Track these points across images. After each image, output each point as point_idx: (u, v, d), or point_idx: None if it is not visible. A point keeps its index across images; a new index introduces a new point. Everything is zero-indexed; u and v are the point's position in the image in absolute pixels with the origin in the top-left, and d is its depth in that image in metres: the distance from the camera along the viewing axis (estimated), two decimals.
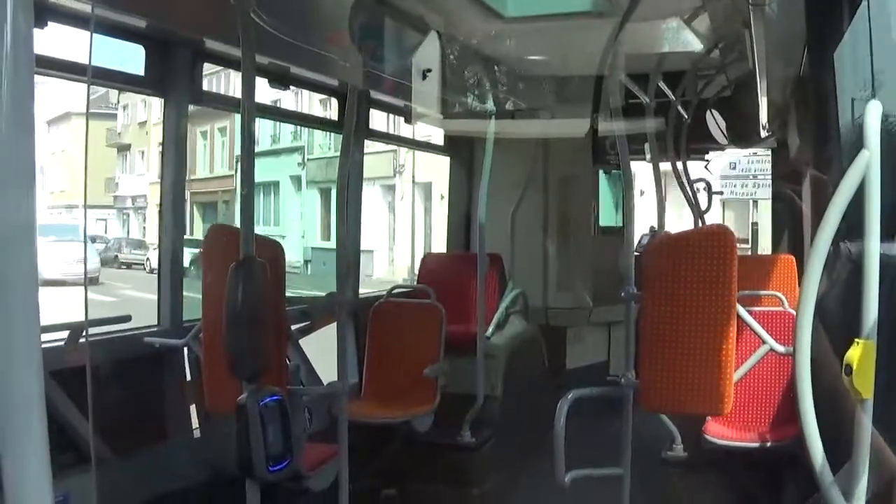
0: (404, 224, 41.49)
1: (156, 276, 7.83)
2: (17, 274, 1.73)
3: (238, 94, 7.61)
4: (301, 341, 8.71)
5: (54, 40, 5.67)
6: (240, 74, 5.25)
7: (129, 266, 42.30)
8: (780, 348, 6.78)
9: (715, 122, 11.69)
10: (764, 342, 6.89)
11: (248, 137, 5.19)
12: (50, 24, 6.01)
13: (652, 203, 9.55)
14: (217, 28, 7.16)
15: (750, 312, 6.91)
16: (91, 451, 5.23)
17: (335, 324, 6.59)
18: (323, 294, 8.39)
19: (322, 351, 8.96)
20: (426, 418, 8.94)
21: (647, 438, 7.46)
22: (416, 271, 11.64)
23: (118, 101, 51.07)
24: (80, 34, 6.14)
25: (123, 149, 54.17)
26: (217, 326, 6.16)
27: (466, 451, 9.36)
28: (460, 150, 12.66)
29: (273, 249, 6.10)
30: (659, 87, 9.52)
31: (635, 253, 7.42)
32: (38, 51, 2.05)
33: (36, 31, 5.32)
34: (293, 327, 8.31)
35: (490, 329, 10.02)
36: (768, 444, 7.47)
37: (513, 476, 9.53)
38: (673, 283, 6.07)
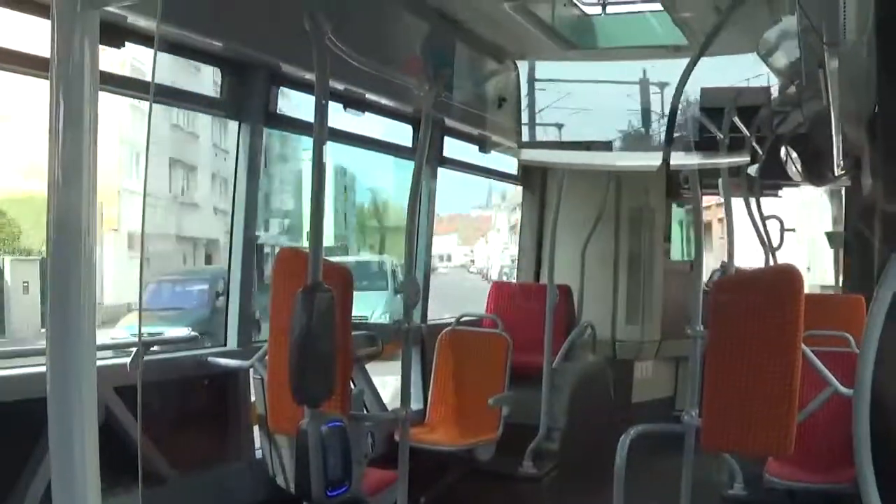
0: None
1: None
2: (75, 295, 1.76)
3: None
4: (375, 365, 8.73)
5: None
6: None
7: None
8: (844, 390, 6.68)
9: (789, 159, 11.59)
10: (829, 383, 6.80)
11: (319, 162, 5.21)
12: (127, 44, 6.08)
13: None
14: (292, 52, 7.22)
15: (816, 353, 6.83)
16: (139, 469, 5.26)
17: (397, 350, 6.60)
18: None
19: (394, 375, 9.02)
20: (489, 447, 8.92)
21: (709, 476, 7.40)
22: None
23: None
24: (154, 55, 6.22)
25: None
26: (282, 349, 6.19)
27: (528, 482, 9.33)
28: (533, 179, 12.66)
29: (341, 274, 6.13)
30: (734, 123, 9.47)
31: (704, 288, 7.37)
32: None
33: (115, 51, 5.42)
34: (360, 352, 8.33)
35: (557, 360, 9.98)
36: (830, 485, 7.39)
37: None
38: (739, 321, 6.03)
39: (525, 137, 11.74)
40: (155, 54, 3.67)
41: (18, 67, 5.91)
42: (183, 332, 7.82)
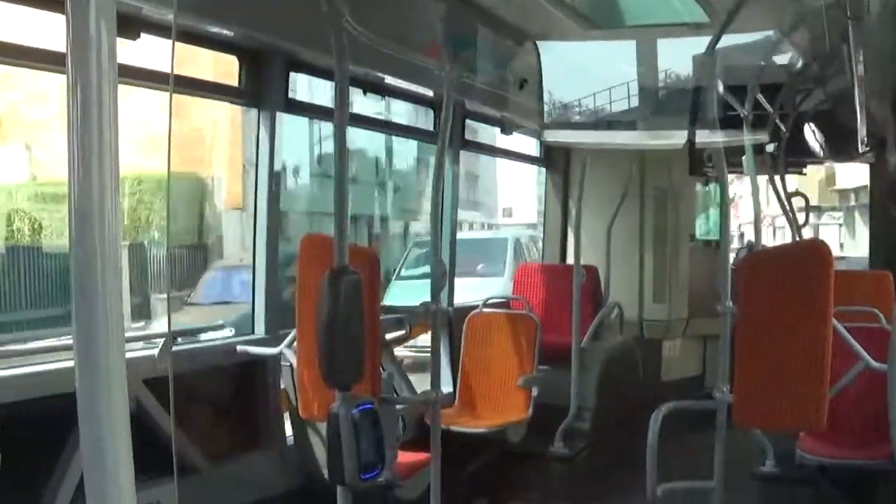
0: None
1: None
2: (101, 283, 1.74)
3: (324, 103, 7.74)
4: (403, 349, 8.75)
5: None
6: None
7: None
8: (876, 365, 6.64)
9: (813, 136, 11.55)
10: (860, 358, 6.76)
11: (342, 147, 5.20)
12: (143, 35, 6.07)
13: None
14: (309, 38, 7.21)
15: (845, 328, 6.80)
16: (174, 460, 5.27)
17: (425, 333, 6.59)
18: None
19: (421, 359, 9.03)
20: (519, 428, 8.93)
21: (738, 453, 7.37)
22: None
23: None
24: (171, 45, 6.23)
25: None
26: (311, 335, 6.19)
27: (559, 462, 9.33)
28: (556, 161, 12.63)
29: (367, 258, 6.13)
30: (757, 100, 9.43)
31: (731, 266, 7.36)
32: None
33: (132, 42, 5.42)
34: (388, 336, 8.34)
35: (585, 340, 9.97)
36: (863, 461, 7.36)
37: (604, 488, 9.46)
38: (769, 298, 6.01)
39: (547, 118, 11.73)
40: (173, 44, 3.67)
41: (35, 63, 5.93)
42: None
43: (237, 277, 20.73)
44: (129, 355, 6.22)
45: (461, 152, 10.37)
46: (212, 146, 26.94)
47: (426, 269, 19.73)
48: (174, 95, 3.62)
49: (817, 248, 6.05)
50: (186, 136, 24.41)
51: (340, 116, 5.16)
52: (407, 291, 18.87)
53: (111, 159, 1.74)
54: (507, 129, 11.12)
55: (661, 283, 12.85)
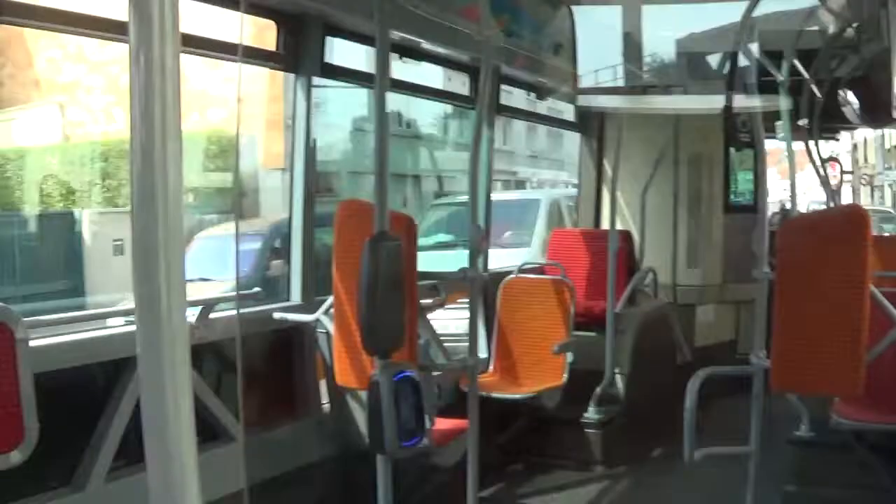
0: None
1: None
2: (164, 248, 1.72)
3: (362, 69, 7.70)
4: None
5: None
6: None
7: None
8: None
9: (847, 102, 11.48)
10: None
11: (382, 113, 5.18)
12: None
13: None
14: (346, 2, 7.19)
15: (883, 293, 6.77)
16: (235, 423, 5.26)
17: (459, 299, 6.57)
18: None
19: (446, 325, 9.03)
20: (554, 394, 8.93)
21: (773, 418, 7.37)
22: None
23: None
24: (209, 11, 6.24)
25: None
26: (349, 302, 6.20)
27: (594, 427, 9.32)
28: (591, 126, 12.58)
29: (405, 224, 6.11)
30: (792, 66, 9.37)
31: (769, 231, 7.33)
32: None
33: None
34: (423, 302, 8.32)
35: (620, 305, 9.93)
36: None
37: (640, 453, 9.47)
38: (807, 263, 6.00)
39: (582, 83, 11.70)
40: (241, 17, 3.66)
41: (98, 33, 5.95)
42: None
43: (224, 246, 16.24)
44: None
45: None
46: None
47: (441, 237, 19.57)
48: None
49: (856, 213, 6.04)
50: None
51: (381, 82, 5.13)
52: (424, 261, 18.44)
53: (175, 128, 1.72)
54: (541, 94, 11.09)
55: (694, 248, 12.82)
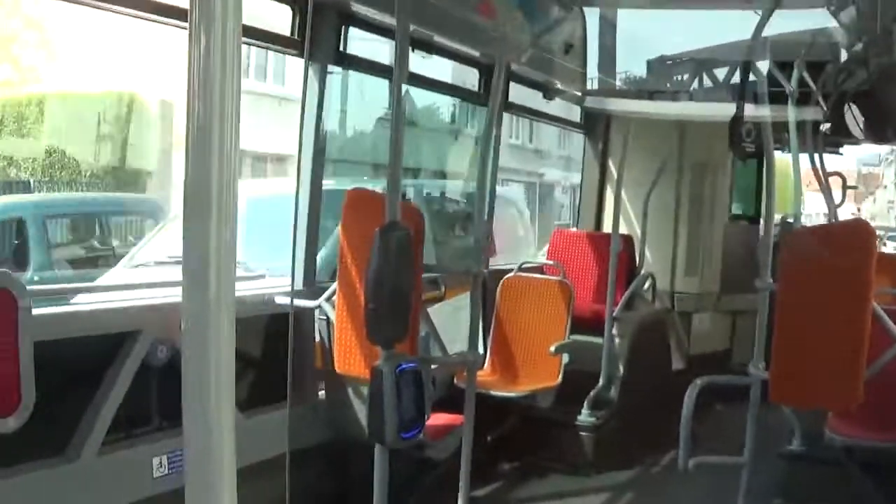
0: None
1: None
2: (213, 227, 1.71)
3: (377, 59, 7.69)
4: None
5: None
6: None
7: None
8: None
9: (852, 116, 11.47)
10: None
11: (398, 102, 5.17)
12: None
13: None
14: None
15: (885, 311, 6.77)
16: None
17: (459, 295, 6.56)
18: None
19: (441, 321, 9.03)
20: (548, 395, 8.93)
21: (764, 430, 7.37)
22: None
23: None
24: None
25: None
26: (354, 290, 6.19)
27: (586, 430, 9.32)
28: (597, 128, 12.57)
29: (412, 215, 6.10)
30: (802, 77, 9.38)
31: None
32: None
33: None
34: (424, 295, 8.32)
35: (618, 309, 9.93)
36: (891, 443, 7.34)
37: (632, 458, 9.47)
38: (811, 275, 6.02)
39: (590, 85, 11.69)
40: None
41: (157, 17, 5.97)
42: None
43: None
44: (171, 300, 6.24)
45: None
46: None
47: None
48: None
49: (861, 227, 6.05)
50: None
51: (399, 73, 5.13)
52: None
53: (233, 115, 1.71)
54: (549, 93, 11.08)
55: (693, 256, 12.82)
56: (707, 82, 11.61)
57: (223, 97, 1.68)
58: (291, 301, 6.62)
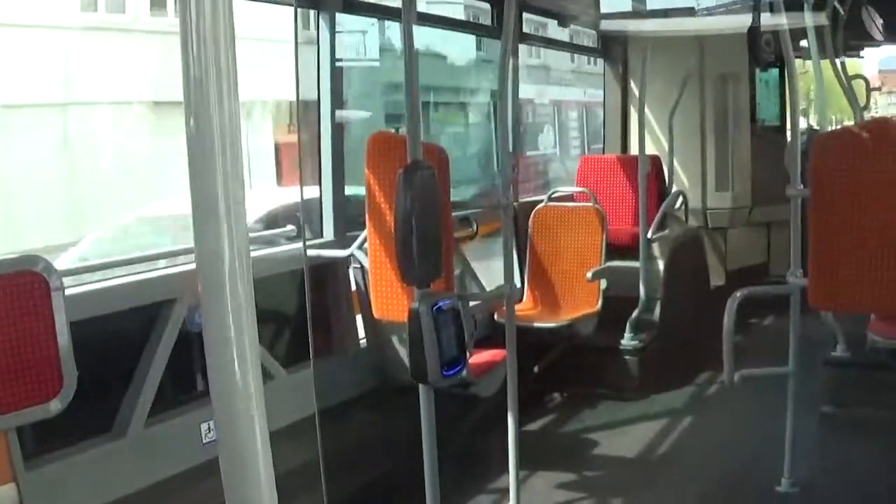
0: None
1: None
2: (221, 194, 1.68)
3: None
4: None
5: None
6: None
7: None
8: None
9: (870, 18, 11.36)
10: None
11: (410, 45, 5.14)
12: None
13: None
14: None
15: None
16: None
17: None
18: None
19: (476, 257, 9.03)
20: (589, 322, 8.92)
21: (807, 339, 7.32)
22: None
23: None
24: None
25: None
26: (383, 234, 6.17)
27: (630, 353, 9.32)
28: (615, 51, 12.47)
29: (437, 154, 6.07)
30: None
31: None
32: None
33: None
34: (456, 233, 8.29)
35: (651, 231, 9.89)
36: None
37: (677, 377, 9.46)
38: (843, 178, 5.93)
39: (604, 9, 11.59)
40: None
41: None
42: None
43: None
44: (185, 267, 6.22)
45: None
46: None
47: None
48: None
49: (890, 126, 5.96)
50: None
51: (409, 13, 5.09)
52: None
53: (230, 78, 1.67)
54: (564, 20, 11.00)
55: (723, 171, 12.72)
56: None
57: (217, 48, 1.65)
58: (305, 252, 6.63)
